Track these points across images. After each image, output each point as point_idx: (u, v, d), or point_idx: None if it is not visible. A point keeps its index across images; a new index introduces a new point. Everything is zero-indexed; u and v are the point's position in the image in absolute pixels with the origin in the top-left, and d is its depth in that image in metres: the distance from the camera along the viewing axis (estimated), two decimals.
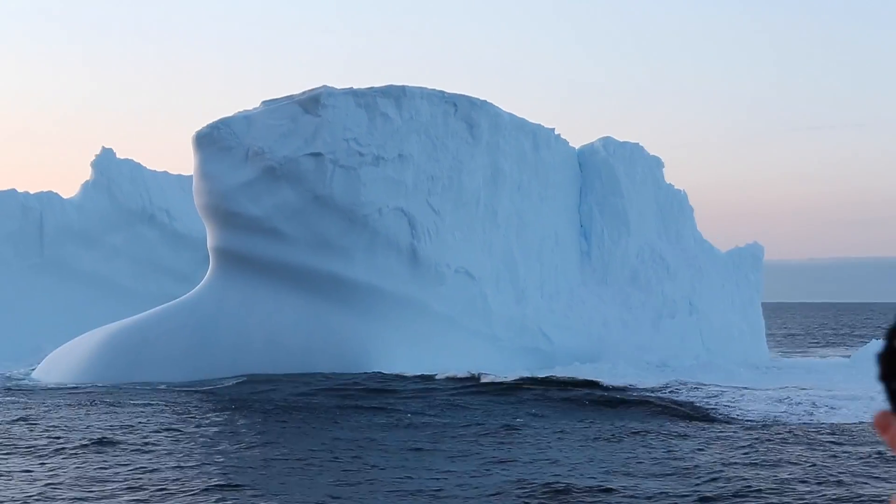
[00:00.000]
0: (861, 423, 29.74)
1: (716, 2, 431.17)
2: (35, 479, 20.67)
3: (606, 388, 37.95)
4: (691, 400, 35.95)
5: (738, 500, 19.00)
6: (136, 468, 21.79)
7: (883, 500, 18.80)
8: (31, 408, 32.29)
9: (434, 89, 47.56)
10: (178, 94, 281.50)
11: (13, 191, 57.81)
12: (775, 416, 31.98)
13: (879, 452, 23.95)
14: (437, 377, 41.10)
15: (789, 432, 27.91)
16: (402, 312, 45.66)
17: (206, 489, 19.58)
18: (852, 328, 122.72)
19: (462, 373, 41.68)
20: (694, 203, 56.07)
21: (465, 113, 47.88)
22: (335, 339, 44.01)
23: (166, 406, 32.98)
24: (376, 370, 42.80)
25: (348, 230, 44.92)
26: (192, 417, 30.26)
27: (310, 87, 46.03)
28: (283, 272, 44.74)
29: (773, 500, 18.95)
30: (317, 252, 44.87)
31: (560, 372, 43.66)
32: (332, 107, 45.00)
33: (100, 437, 25.54)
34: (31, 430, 27.09)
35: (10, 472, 21.53)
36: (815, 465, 22.60)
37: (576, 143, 54.71)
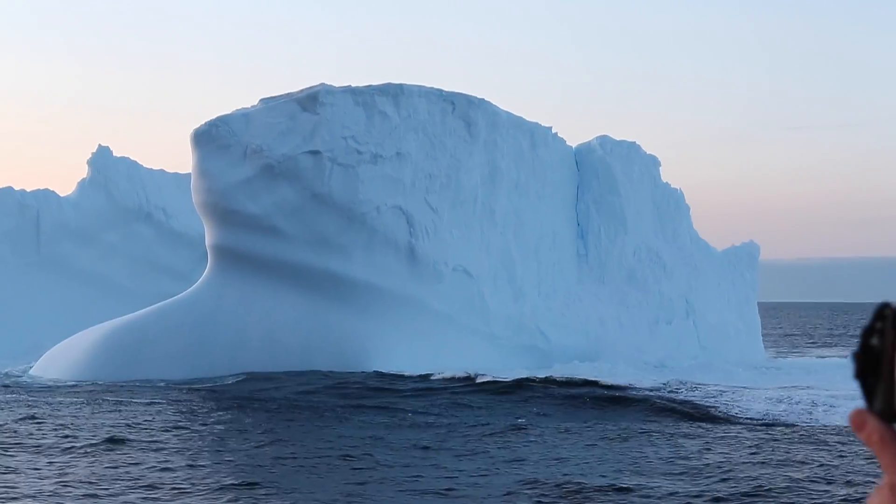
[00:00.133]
0: None
1: (713, 1, 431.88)
2: (48, 478, 20.69)
3: (607, 387, 38.06)
4: (692, 399, 36.12)
5: (751, 499, 19.10)
6: (149, 467, 21.82)
7: None
8: (35, 406, 32.28)
9: (432, 87, 47.63)
10: (175, 92, 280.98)
11: (10, 189, 57.70)
12: (776, 416, 32.16)
13: None
14: (433, 377, 41.14)
15: (794, 432, 28.07)
16: (401, 310, 45.72)
17: (220, 488, 19.63)
18: (846, 328, 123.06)
19: (460, 373, 41.71)
20: (689, 202, 56.14)
21: (463, 111, 47.94)
22: (333, 336, 44.06)
23: (170, 404, 33.02)
24: (374, 368, 42.89)
25: (346, 228, 44.96)
26: (197, 416, 30.31)
27: (308, 85, 46.10)
28: (281, 270, 44.77)
29: (786, 501, 19.06)
30: (315, 250, 44.91)
31: (559, 371, 43.78)
32: (330, 105, 45.03)
33: (109, 435, 25.56)
34: (40, 429, 27.10)
35: (22, 470, 21.54)
36: (822, 464, 22.73)
37: (573, 141, 54.90)
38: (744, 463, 22.90)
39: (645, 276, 52.85)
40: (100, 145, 59.66)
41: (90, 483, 20.22)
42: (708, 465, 22.62)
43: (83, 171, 59.78)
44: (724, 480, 20.77)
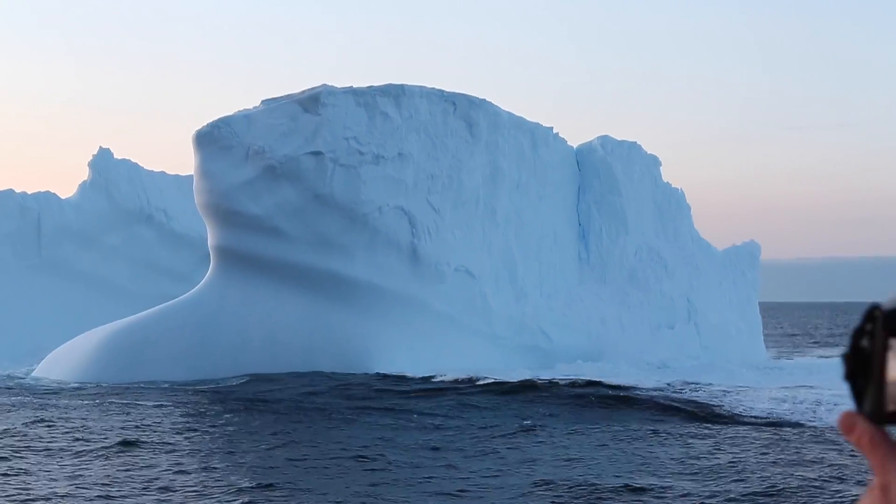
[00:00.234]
0: None
1: (713, 1, 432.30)
2: (61, 480, 20.68)
3: (612, 387, 38.09)
4: (696, 399, 36.16)
5: (765, 500, 19.13)
6: (163, 469, 21.83)
7: None
8: (43, 408, 32.26)
9: (433, 88, 47.65)
10: (176, 93, 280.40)
11: (11, 191, 57.72)
12: (781, 416, 32.16)
13: None
14: (434, 378, 41.14)
15: (802, 431, 28.11)
16: (403, 311, 45.74)
17: (234, 490, 19.64)
18: (847, 328, 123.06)
19: (462, 375, 41.67)
20: (690, 202, 56.16)
21: (465, 111, 47.97)
22: (336, 337, 44.08)
23: (177, 406, 33.03)
24: (377, 368, 42.91)
25: (348, 229, 44.98)
26: (205, 417, 30.32)
27: (310, 86, 46.14)
28: (283, 271, 44.80)
29: (800, 500, 19.09)
30: (317, 251, 44.93)
31: (562, 372, 43.83)
32: (331, 105, 45.05)
33: (120, 438, 25.55)
34: (50, 432, 27.08)
35: (34, 472, 21.53)
36: (833, 464, 22.77)
37: (574, 141, 54.93)
38: (755, 462, 22.94)
39: (646, 276, 52.88)
40: (100, 147, 59.77)
41: (104, 485, 20.22)
42: (720, 464, 22.66)
43: (84, 174, 59.86)
44: (737, 480, 20.81)
